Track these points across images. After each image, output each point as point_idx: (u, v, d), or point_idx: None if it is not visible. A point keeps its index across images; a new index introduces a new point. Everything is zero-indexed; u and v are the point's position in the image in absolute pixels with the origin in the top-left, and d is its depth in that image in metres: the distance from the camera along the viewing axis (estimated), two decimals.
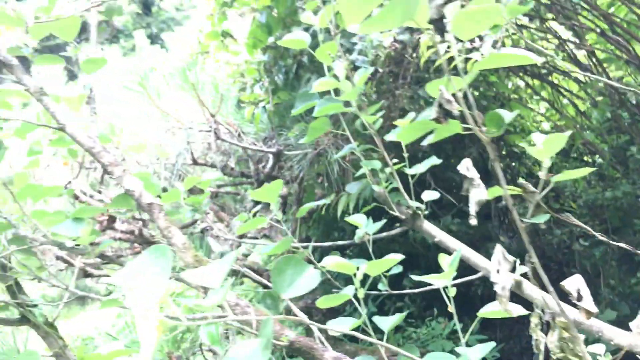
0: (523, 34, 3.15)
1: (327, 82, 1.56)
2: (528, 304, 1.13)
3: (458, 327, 1.20)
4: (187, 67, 2.27)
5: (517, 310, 0.95)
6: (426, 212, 1.69)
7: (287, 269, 0.92)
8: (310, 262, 1.71)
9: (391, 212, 1.71)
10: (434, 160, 1.75)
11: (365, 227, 1.60)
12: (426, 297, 4.00)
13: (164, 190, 1.42)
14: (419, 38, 1.75)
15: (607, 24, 3.19)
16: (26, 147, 1.85)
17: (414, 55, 1.99)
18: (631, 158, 3.24)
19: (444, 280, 1.14)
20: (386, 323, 1.26)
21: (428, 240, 3.72)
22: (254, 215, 1.81)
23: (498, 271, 0.81)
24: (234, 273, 1.85)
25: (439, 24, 0.72)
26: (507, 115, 0.83)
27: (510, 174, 4.39)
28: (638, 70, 3.19)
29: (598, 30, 3.24)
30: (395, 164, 1.66)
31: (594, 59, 3.47)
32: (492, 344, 1.12)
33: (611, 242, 1.51)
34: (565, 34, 3.64)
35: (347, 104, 1.71)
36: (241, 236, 2.73)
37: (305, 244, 1.64)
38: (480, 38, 1.68)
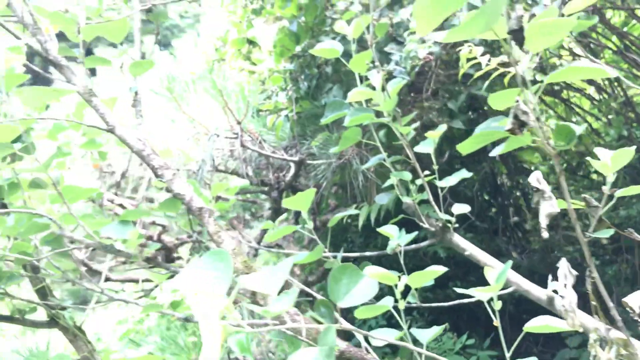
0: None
1: (362, 92, 1.56)
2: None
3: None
4: (208, 73, 2.27)
5: (581, 326, 0.94)
6: (456, 225, 1.69)
7: (343, 277, 0.91)
8: None
9: (421, 224, 1.71)
10: (465, 174, 1.75)
11: (397, 238, 1.59)
12: (433, 311, 3.98)
13: None
14: (453, 51, 1.75)
15: (620, 41, 3.21)
16: (53, 149, 1.84)
17: (441, 67, 1.99)
18: None
19: (488, 293, 1.13)
20: (425, 335, 1.25)
21: (439, 254, 3.72)
22: (296, 221, 1.79)
23: (565, 286, 0.80)
24: None
25: (518, 35, 0.72)
26: (578, 129, 0.82)
27: (520, 190, 4.39)
28: None
29: (613, 47, 3.26)
30: (426, 176, 1.66)
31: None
32: None
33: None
34: (580, 51, 3.66)
35: (378, 114, 1.71)
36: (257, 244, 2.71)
37: (334, 254, 1.63)
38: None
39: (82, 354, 1.47)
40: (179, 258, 2.76)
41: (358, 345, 1.36)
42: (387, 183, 1.85)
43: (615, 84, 3.41)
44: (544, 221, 0.85)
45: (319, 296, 1.24)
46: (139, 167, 2.79)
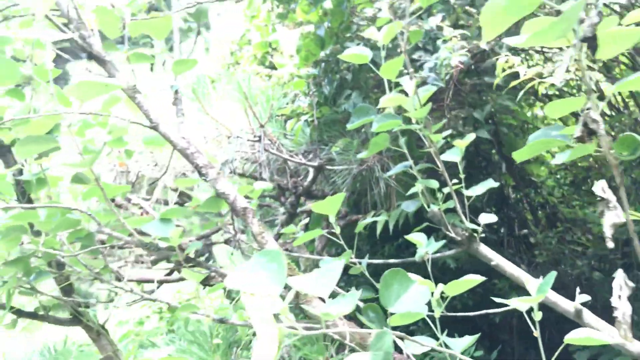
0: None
1: (394, 98, 1.55)
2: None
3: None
4: (230, 75, 2.26)
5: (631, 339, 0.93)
6: (482, 235, 1.69)
7: (394, 282, 0.90)
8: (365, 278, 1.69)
9: (447, 233, 1.70)
10: (492, 183, 1.74)
11: (426, 246, 1.58)
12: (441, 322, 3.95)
13: None
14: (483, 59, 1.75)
15: (632, 56, 3.21)
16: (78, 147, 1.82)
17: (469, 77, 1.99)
18: None
19: (529, 303, 1.12)
20: (459, 344, 1.24)
21: (448, 264, 3.70)
22: (307, 227, 1.78)
23: (619, 297, 0.79)
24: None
25: (591, 43, 0.71)
26: None
27: (527, 202, 4.39)
28: None
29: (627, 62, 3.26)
30: (454, 184, 1.65)
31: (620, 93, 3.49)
32: None
33: None
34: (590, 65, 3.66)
35: (406, 120, 1.70)
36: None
37: (359, 260, 1.62)
38: (546, 60, 1.68)
39: (105, 354, 1.45)
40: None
41: None
42: (412, 190, 1.84)
43: (630, 100, 3.41)
44: (608, 231, 0.85)
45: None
46: (154, 169, 2.77)
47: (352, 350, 0.97)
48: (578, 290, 1.46)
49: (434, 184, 1.71)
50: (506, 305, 1.21)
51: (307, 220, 1.83)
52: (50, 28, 1.55)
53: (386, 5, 1.59)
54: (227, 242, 2.98)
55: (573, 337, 1.12)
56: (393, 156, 2.19)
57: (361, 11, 2.03)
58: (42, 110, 1.51)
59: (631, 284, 0.87)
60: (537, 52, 1.82)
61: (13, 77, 0.97)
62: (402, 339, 0.86)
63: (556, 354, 1.15)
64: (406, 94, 1.56)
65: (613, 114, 3.77)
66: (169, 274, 3.16)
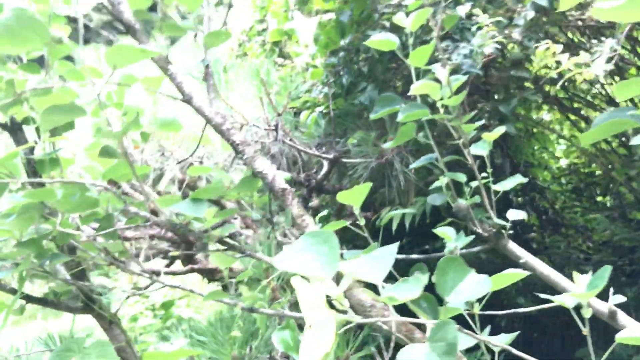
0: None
1: (427, 84, 1.49)
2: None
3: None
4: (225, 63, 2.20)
5: None
6: (511, 232, 1.63)
7: (450, 271, 0.83)
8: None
9: (474, 229, 1.64)
10: (520, 179, 1.69)
11: (455, 240, 1.52)
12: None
13: None
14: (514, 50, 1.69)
15: None
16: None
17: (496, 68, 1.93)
18: None
19: (576, 299, 1.06)
20: (500, 340, 1.17)
21: None
22: (326, 219, 1.71)
23: None
24: None
25: None
26: None
27: (532, 206, 4.34)
28: None
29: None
30: (483, 178, 1.59)
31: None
32: None
33: None
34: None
35: (433, 110, 1.64)
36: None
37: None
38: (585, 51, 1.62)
39: (117, 344, 1.38)
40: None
41: None
42: (436, 184, 1.78)
43: None
44: None
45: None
46: (159, 159, 2.70)
47: (398, 345, 0.90)
48: (612, 290, 1.40)
49: (462, 177, 1.65)
50: (549, 301, 1.16)
51: (325, 212, 1.76)
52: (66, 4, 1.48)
53: None
54: (230, 237, 2.89)
55: (624, 337, 1.06)
56: (411, 150, 2.13)
57: None
58: (55, 88, 1.43)
59: None
60: (573, 43, 1.76)
61: (42, 37, 0.90)
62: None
63: (607, 353, 1.09)
64: (438, 82, 1.50)
65: None
66: (168, 265, 3.08)
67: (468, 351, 3.32)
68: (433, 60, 1.67)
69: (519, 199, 4.51)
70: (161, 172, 2.50)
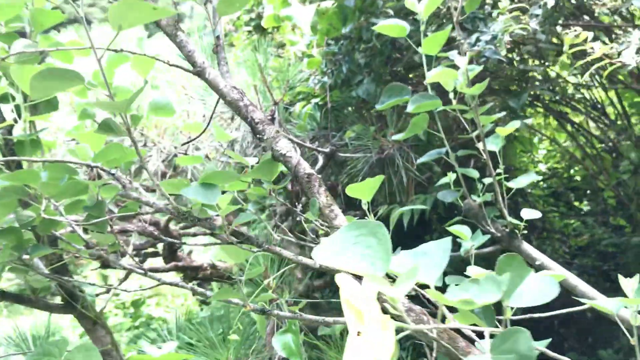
0: None
1: (446, 71, 1.39)
2: None
3: None
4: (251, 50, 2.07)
5: None
6: (524, 232, 1.54)
7: (509, 270, 0.73)
8: None
9: (486, 228, 1.55)
10: (534, 177, 1.60)
11: (472, 239, 1.42)
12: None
13: None
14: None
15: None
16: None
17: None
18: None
19: (622, 304, 0.97)
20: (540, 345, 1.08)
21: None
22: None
23: None
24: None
25: None
26: None
27: (514, 209, 4.30)
28: None
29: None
30: (498, 174, 1.50)
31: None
32: None
33: None
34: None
35: (445, 101, 1.54)
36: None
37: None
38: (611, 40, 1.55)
39: (101, 347, 1.24)
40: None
41: None
42: (443, 180, 1.68)
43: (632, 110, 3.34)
44: None
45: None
46: (142, 148, 2.54)
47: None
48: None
49: (474, 173, 1.56)
50: (581, 304, 1.06)
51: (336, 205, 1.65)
52: None
53: None
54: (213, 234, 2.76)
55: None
56: (411, 145, 2.03)
57: None
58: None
59: None
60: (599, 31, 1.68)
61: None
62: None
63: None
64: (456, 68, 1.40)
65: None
66: (142, 262, 2.92)
67: None
68: (443, 49, 1.57)
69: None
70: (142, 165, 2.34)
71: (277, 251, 0.90)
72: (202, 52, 2.07)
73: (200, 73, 0.88)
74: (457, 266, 1.58)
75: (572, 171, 4.61)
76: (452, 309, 0.88)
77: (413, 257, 0.72)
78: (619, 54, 1.38)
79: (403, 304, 0.88)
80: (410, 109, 1.50)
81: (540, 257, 1.49)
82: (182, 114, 2.04)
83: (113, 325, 4.88)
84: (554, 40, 1.69)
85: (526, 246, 1.51)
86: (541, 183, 4.52)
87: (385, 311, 0.65)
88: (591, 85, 3.57)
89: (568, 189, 4.53)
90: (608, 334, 3.28)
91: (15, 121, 1.27)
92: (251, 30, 2.76)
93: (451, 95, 1.53)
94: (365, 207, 1.39)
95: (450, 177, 1.62)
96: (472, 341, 0.87)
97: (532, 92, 2.74)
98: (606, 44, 1.28)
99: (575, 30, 1.32)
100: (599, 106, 3.62)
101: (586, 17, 1.65)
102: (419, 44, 1.55)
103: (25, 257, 1.15)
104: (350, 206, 2.49)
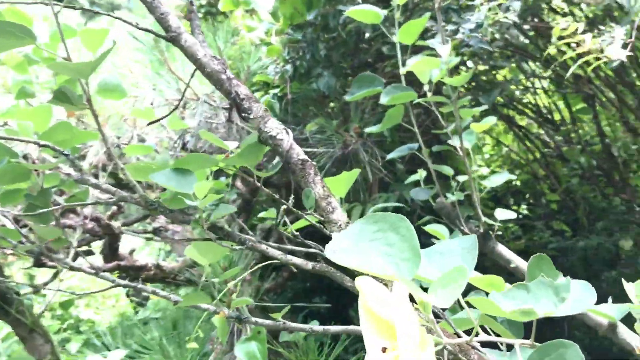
0: None
1: (427, 60, 1.30)
2: None
3: None
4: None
5: None
6: (499, 233, 1.47)
7: (538, 273, 0.64)
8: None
9: (459, 228, 1.47)
10: (509, 175, 1.54)
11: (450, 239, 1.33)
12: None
13: None
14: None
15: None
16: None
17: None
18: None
19: (625, 310, 0.90)
20: None
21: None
22: (285, 213, 1.45)
23: None
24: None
25: None
26: None
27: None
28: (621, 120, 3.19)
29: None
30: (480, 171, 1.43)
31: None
32: None
33: None
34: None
35: (420, 93, 1.46)
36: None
37: None
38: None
39: (39, 358, 1.08)
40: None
41: None
42: (413, 178, 1.60)
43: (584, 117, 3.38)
44: None
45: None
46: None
47: None
48: (610, 299, 1.27)
49: (449, 170, 1.48)
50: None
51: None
52: None
53: None
54: (155, 232, 2.61)
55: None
56: (376, 140, 1.94)
57: None
58: None
59: None
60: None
61: None
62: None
63: None
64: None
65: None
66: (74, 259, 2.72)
67: None
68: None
69: None
70: (82, 155, 2.17)
71: (263, 249, 0.78)
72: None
73: (174, 39, 0.75)
74: None
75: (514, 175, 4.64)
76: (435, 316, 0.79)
77: (427, 258, 0.63)
78: (602, 50, 1.33)
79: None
80: (383, 100, 1.41)
81: (516, 260, 1.42)
82: (128, 100, 1.87)
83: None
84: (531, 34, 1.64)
85: (501, 248, 1.45)
86: (483, 186, 4.56)
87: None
88: (538, 89, 3.61)
89: (509, 192, 4.58)
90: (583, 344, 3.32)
91: None
92: (204, 15, 2.60)
93: (426, 87, 1.45)
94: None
95: (421, 174, 1.55)
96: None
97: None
98: (596, 37, 1.22)
99: (567, 21, 1.26)
100: (545, 111, 3.67)
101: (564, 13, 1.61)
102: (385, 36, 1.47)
103: None
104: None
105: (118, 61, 1.99)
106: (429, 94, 1.45)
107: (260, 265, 1.02)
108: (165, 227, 2.76)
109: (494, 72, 1.84)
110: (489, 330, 0.68)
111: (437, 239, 1.32)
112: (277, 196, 0.88)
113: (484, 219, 1.44)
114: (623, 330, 1.32)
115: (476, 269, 0.64)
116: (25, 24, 0.66)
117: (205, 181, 0.74)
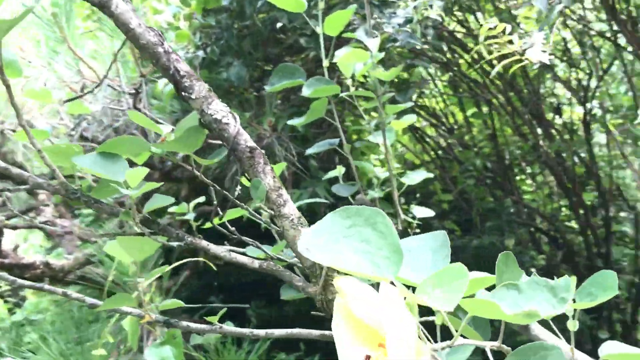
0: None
1: (355, 52, 1.26)
2: None
3: None
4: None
5: None
6: (417, 231, 1.46)
7: (505, 272, 0.61)
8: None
9: None
10: (426, 174, 1.54)
11: None
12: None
13: None
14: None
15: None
16: None
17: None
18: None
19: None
20: None
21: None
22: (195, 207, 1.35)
23: None
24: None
25: None
26: None
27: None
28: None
29: None
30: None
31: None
32: None
33: None
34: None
35: (343, 87, 1.43)
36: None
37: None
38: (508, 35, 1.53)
39: None
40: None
41: None
42: (331, 174, 1.56)
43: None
44: None
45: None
46: None
47: None
48: None
49: (370, 167, 1.46)
50: None
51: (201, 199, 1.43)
52: None
53: None
54: (41, 228, 2.41)
55: (611, 353, 0.93)
56: (290, 136, 1.89)
57: None
58: None
59: None
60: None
61: None
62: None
63: None
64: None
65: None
66: None
67: None
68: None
69: None
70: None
71: (203, 246, 0.70)
72: None
73: (104, 4, 0.65)
74: None
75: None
76: None
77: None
78: (523, 52, 1.36)
79: None
80: (306, 93, 1.35)
81: None
82: (19, 81, 1.68)
83: None
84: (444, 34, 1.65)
85: None
86: (377, 188, 4.64)
87: None
88: (434, 92, 3.72)
89: (404, 193, 4.67)
90: None
91: None
92: None
93: (349, 82, 1.42)
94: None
95: (340, 170, 1.51)
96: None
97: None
98: (521, 38, 1.24)
99: (490, 22, 1.27)
100: (440, 114, 3.79)
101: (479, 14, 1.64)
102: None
103: None
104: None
105: (5, 40, 1.78)
106: (352, 89, 1.42)
107: (177, 263, 0.93)
108: (52, 222, 2.55)
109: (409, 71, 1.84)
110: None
111: None
112: (216, 187, 0.80)
113: (402, 216, 1.43)
114: (535, 327, 1.36)
115: None
116: None
117: (140, 168, 0.65)
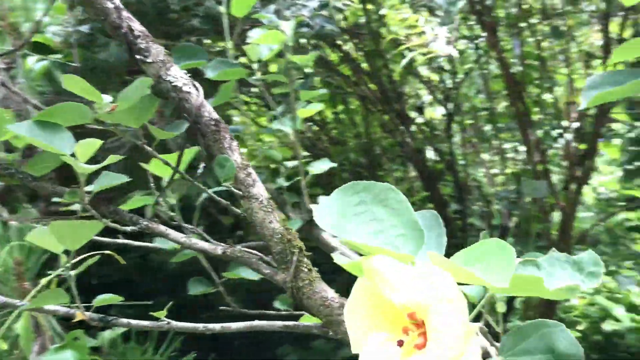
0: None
1: (270, 34, 1.20)
2: None
3: None
4: None
5: None
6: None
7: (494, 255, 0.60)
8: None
9: (288, 215, 1.40)
10: (330, 163, 1.52)
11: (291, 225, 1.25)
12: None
13: None
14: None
15: None
16: None
17: None
18: None
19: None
20: None
21: (150, 264, 3.24)
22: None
23: None
24: None
25: None
26: None
27: None
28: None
29: None
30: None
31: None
32: None
33: None
34: None
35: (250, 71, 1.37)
36: None
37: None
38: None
39: None
40: None
41: None
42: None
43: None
44: None
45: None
46: None
47: None
48: None
49: (277, 155, 1.40)
50: None
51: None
52: None
53: None
54: None
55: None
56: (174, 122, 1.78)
57: None
58: None
59: None
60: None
61: None
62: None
63: None
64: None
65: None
66: None
67: None
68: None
69: None
70: None
71: (161, 231, 0.61)
72: None
73: None
74: None
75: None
76: None
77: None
78: (428, 44, 1.40)
79: (333, 299, 0.68)
80: (211, 75, 1.28)
81: (341, 247, 1.41)
82: None
83: None
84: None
85: (326, 235, 1.42)
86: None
87: None
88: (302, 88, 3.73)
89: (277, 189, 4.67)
90: None
91: None
92: None
93: (255, 66, 1.37)
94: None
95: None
96: None
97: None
98: (433, 29, 1.27)
99: (400, 13, 1.29)
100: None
101: None
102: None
103: None
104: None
105: None
106: (258, 74, 1.37)
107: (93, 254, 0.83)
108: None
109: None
110: None
111: None
112: (171, 165, 0.71)
113: (309, 206, 1.40)
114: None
115: None
116: None
117: (91, 139, 0.54)
